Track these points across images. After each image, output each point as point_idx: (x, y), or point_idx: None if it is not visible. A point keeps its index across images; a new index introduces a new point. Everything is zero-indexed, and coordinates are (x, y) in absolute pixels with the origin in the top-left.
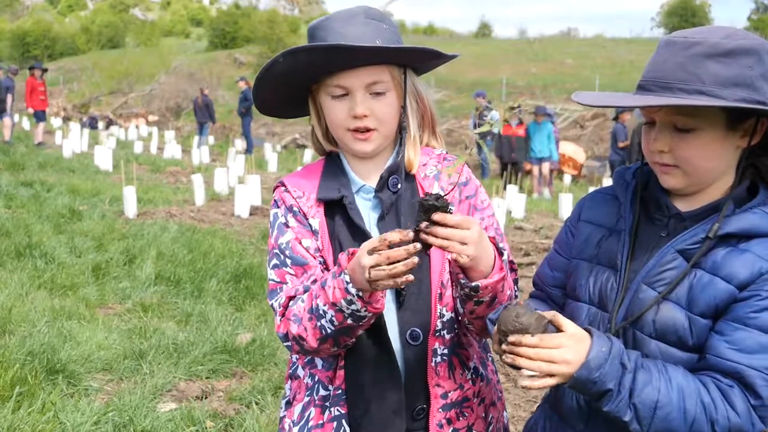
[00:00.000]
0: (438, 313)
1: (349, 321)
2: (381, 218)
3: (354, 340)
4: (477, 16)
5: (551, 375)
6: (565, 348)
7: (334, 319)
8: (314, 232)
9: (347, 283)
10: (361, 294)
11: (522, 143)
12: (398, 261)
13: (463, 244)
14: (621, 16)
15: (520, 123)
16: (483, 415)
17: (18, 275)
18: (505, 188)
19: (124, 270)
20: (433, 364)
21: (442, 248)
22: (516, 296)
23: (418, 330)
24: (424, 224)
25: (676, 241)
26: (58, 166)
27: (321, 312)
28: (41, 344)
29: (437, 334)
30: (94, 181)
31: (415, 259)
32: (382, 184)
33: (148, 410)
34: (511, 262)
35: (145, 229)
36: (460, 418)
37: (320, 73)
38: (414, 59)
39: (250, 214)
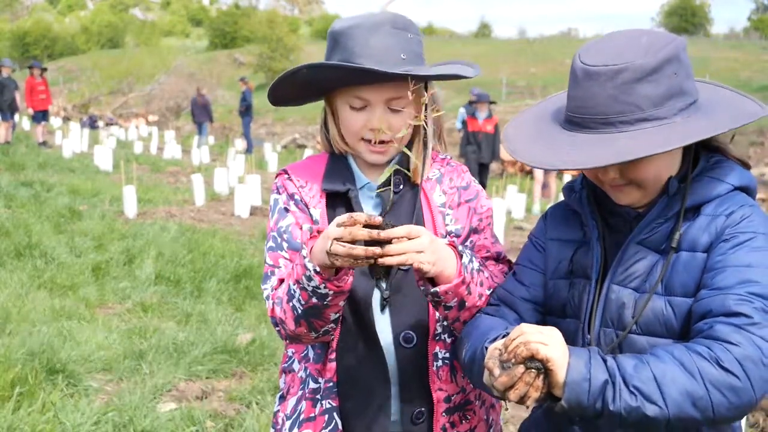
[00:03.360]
0: (437, 318)
1: (314, 300)
2: (381, 216)
3: (333, 325)
4: (477, 16)
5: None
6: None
7: (301, 297)
8: (315, 222)
9: (304, 257)
10: (318, 269)
11: (489, 141)
12: (359, 242)
13: (419, 252)
14: (621, 16)
15: (489, 117)
16: (485, 417)
17: (18, 275)
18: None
19: (124, 270)
20: (434, 368)
21: (402, 264)
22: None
23: (412, 333)
24: (377, 250)
25: (633, 236)
26: (58, 166)
27: (292, 291)
28: (41, 344)
29: (437, 338)
30: (94, 181)
31: (377, 250)
32: (386, 183)
33: (148, 410)
34: (508, 261)
35: (145, 229)
36: (463, 422)
37: (342, 85)
38: (437, 79)
39: (250, 214)
